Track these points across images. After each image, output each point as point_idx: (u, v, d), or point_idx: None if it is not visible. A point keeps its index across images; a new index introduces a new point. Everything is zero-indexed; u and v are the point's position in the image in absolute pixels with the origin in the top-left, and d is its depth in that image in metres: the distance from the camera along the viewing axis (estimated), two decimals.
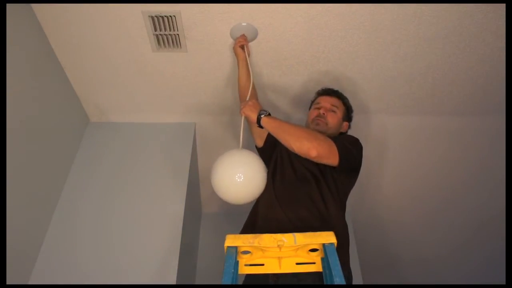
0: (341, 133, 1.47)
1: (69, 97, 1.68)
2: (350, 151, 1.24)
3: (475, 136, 1.98)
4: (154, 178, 1.68)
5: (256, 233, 1.00)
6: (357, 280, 2.16)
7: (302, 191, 1.23)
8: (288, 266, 1.01)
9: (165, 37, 1.46)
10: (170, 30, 1.43)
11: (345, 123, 1.49)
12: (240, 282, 1.07)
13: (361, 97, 1.75)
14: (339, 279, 0.86)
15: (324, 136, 1.20)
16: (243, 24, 1.41)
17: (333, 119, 1.41)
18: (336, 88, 1.53)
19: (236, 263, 0.98)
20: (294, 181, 1.26)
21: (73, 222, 1.52)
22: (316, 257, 1.00)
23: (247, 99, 1.34)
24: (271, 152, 1.42)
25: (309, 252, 1.00)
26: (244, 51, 1.45)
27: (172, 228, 1.54)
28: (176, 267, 1.44)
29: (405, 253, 2.86)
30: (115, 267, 1.42)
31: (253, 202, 1.29)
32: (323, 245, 0.97)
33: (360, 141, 1.32)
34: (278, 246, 0.97)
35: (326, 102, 1.45)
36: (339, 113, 1.45)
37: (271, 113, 1.25)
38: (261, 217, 1.23)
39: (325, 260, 0.96)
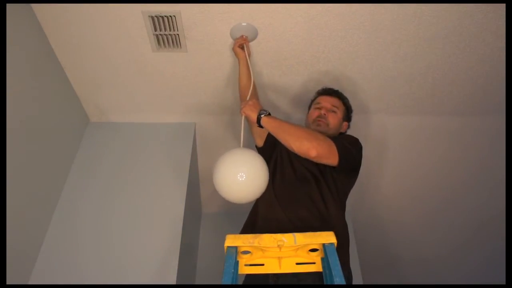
0: (341, 133, 1.47)
1: (69, 97, 1.68)
2: (350, 151, 1.24)
3: (475, 136, 1.98)
4: (154, 178, 1.68)
5: (256, 233, 1.00)
6: (357, 280, 2.16)
7: (302, 191, 1.23)
8: (288, 266, 1.01)
9: (165, 37, 1.46)
10: (170, 30, 1.43)
11: (345, 123, 1.49)
12: (240, 282, 1.07)
13: (361, 97, 1.75)
14: (339, 279, 0.86)
15: (323, 136, 1.20)
16: (243, 24, 1.41)
17: (333, 120, 1.41)
18: (336, 88, 1.53)
19: (236, 263, 0.97)
20: (294, 181, 1.26)
21: (73, 222, 1.52)
22: (316, 257, 1.00)
23: (248, 99, 1.34)
24: (271, 152, 1.42)
25: (309, 252, 1.00)
26: (244, 51, 1.45)
27: (172, 228, 1.54)
28: (176, 267, 1.44)
29: (405, 253, 2.86)
30: (115, 267, 1.42)
31: (253, 202, 1.30)
32: (323, 245, 0.97)
33: (360, 141, 1.33)
34: (278, 246, 0.97)
35: (327, 102, 1.45)
36: (340, 113, 1.45)
37: (271, 113, 1.25)
38: (261, 217, 1.23)
39: (325, 260, 0.96)
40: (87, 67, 1.60)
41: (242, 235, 1.00)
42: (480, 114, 1.86)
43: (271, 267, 1.01)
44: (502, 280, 2.88)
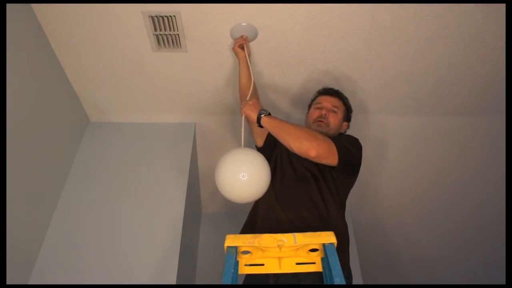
0: (341, 133, 1.47)
1: (69, 97, 1.68)
2: (350, 151, 1.24)
3: (475, 136, 1.98)
4: (154, 178, 1.68)
5: (256, 233, 1.00)
6: (357, 280, 2.16)
7: (301, 191, 1.23)
8: (288, 266, 1.01)
9: (165, 37, 1.46)
10: (170, 30, 1.43)
11: (345, 123, 1.49)
12: (240, 282, 1.07)
13: (361, 97, 1.75)
14: (339, 279, 0.86)
15: (323, 136, 1.20)
16: (243, 24, 1.41)
17: (334, 120, 1.41)
18: (336, 88, 1.53)
19: (236, 263, 0.97)
20: (293, 181, 1.26)
21: (73, 222, 1.52)
22: (316, 257, 1.00)
23: (248, 98, 1.34)
24: (271, 152, 1.42)
25: (309, 252, 1.00)
26: (244, 51, 1.45)
27: (172, 228, 1.54)
28: (176, 267, 1.44)
29: (405, 253, 2.86)
30: (115, 267, 1.42)
31: (253, 202, 1.29)
32: (323, 245, 0.97)
33: (360, 141, 1.33)
34: (278, 246, 0.97)
35: (327, 102, 1.45)
36: (340, 113, 1.45)
37: (271, 113, 1.25)
38: (261, 217, 1.23)
39: (325, 260, 0.96)
40: (87, 67, 1.60)
41: (242, 235, 1.00)
42: (480, 114, 1.86)
43: (271, 267, 1.01)
44: (502, 280, 2.88)
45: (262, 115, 1.22)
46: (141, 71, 1.62)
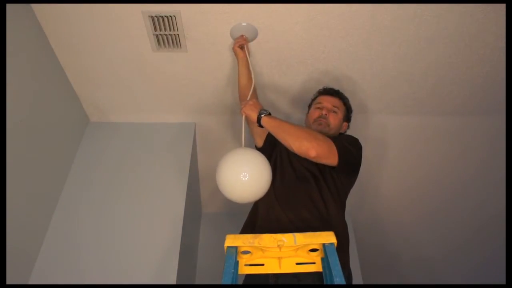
0: (340, 133, 1.47)
1: (69, 97, 1.68)
2: (350, 151, 1.24)
3: (475, 136, 1.98)
4: (154, 178, 1.68)
5: (256, 233, 1.00)
6: (357, 280, 2.16)
7: (301, 191, 1.23)
8: (288, 266, 1.01)
9: (165, 37, 1.46)
10: (170, 30, 1.43)
11: (345, 124, 1.49)
12: (240, 282, 1.07)
13: (361, 97, 1.75)
14: (339, 279, 0.86)
15: (323, 136, 1.20)
16: (243, 24, 1.41)
17: (334, 120, 1.41)
18: (336, 88, 1.53)
19: (236, 263, 0.97)
20: (293, 181, 1.26)
21: (73, 222, 1.52)
22: (316, 257, 1.00)
23: (248, 98, 1.34)
24: (271, 152, 1.42)
25: (309, 252, 1.00)
26: (244, 51, 1.45)
27: (172, 228, 1.54)
28: (176, 267, 1.44)
29: (404, 253, 2.86)
30: (115, 267, 1.42)
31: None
32: (323, 245, 0.97)
33: (360, 141, 1.33)
34: (278, 246, 0.97)
35: (328, 102, 1.45)
36: (340, 113, 1.45)
37: (271, 113, 1.25)
38: (261, 217, 1.23)
39: (325, 260, 0.96)
40: (87, 67, 1.60)
41: (242, 235, 1.00)
42: (480, 114, 1.86)
43: (271, 267, 1.01)
44: (502, 280, 2.88)
45: (262, 115, 1.22)
46: (141, 71, 1.62)
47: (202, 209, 2.47)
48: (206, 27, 1.43)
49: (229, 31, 1.44)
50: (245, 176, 1.11)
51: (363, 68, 1.61)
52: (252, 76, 1.40)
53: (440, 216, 2.54)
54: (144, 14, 1.38)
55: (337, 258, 0.92)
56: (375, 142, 2.00)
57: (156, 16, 1.38)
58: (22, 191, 1.34)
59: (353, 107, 1.54)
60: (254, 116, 1.24)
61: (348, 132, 1.51)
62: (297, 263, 1.01)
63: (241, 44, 1.44)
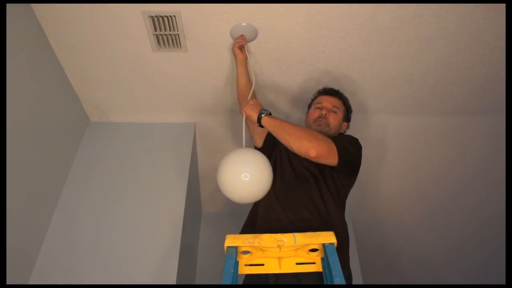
0: (340, 134, 1.47)
1: (69, 97, 1.68)
2: (350, 151, 1.24)
3: (475, 136, 1.98)
4: (154, 178, 1.67)
5: (256, 233, 1.00)
6: (357, 280, 2.16)
7: (301, 191, 1.23)
8: (288, 266, 1.01)
9: (165, 37, 1.46)
10: (170, 30, 1.43)
11: (345, 124, 1.49)
12: (240, 282, 1.07)
13: (360, 97, 1.75)
14: (339, 279, 0.86)
15: (323, 136, 1.20)
16: (243, 24, 1.41)
17: (334, 120, 1.41)
18: (336, 88, 1.53)
19: (236, 263, 0.98)
20: (293, 181, 1.26)
21: (73, 222, 1.52)
22: (316, 257, 1.00)
23: (248, 99, 1.34)
24: (271, 152, 1.42)
25: (309, 252, 1.00)
26: (244, 52, 1.45)
27: (172, 228, 1.54)
28: (176, 267, 1.44)
29: (404, 253, 2.86)
30: (115, 267, 1.42)
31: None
32: (323, 245, 0.97)
33: (360, 141, 1.33)
34: (278, 246, 0.97)
35: (328, 102, 1.45)
36: (340, 113, 1.45)
37: (271, 113, 1.25)
38: (261, 217, 1.23)
39: (325, 260, 0.96)
40: (87, 67, 1.60)
41: (242, 235, 1.00)
42: (480, 114, 1.86)
43: (271, 267, 1.01)
44: (502, 280, 2.88)
45: (262, 115, 1.22)
46: (141, 71, 1.62)
47: (202, 209, 2.47)
48: (206, 27, 1.43)
49: (229, 31, 1.44)
50: (246, 177, 1.11)
51: (363, 68, 1.61)
52: (253, 77, 1.39)
53: (440, 216, 2.54)
54: (144, 14, 1.38)
55: (337, 258, 0.92)
56: (375, 142, 2.00)
57: (156, 16, 1.38)
58: (22, 191, 1.34)
59: (353, 107, 1.54)
60: (254, 116, 1.24)
61: (348, 132, 1.51)
62: (297, 263, 1.01)
63: (240, 45, 1.44)
